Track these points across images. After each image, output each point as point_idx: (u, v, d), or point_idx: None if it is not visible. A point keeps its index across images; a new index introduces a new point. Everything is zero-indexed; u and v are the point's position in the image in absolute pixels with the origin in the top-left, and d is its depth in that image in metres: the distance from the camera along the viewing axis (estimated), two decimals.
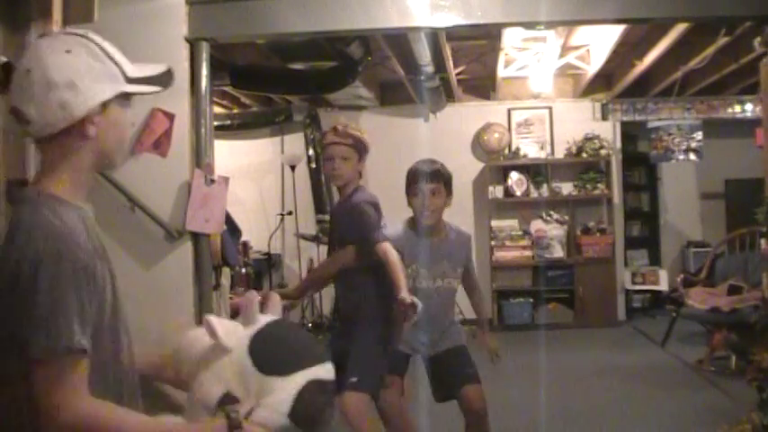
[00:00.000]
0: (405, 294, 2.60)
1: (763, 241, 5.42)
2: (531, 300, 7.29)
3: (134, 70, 1.37)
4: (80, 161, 1.32)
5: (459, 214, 7.48)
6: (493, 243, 7.32)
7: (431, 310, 2.85)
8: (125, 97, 1.35)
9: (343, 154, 2.94)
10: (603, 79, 7.16)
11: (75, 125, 1.26)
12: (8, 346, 1.18)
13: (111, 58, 1.33)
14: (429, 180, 3.12)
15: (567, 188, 7.51)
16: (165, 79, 1.49)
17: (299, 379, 1.22)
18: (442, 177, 3.14)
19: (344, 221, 3.03)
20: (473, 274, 3.35)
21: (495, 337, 3.43)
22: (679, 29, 4.75)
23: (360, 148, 2.99)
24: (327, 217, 7.18)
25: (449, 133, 7.57)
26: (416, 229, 3.13)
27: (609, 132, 7.45)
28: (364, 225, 2.86)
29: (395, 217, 8.16)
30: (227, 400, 1.23)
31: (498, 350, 3.28)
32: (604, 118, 7.40)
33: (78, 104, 1.25)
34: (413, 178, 3.21)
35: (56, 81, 1.23)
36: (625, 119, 7.40)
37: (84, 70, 1.27)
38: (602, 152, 7.30)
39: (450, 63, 5.93)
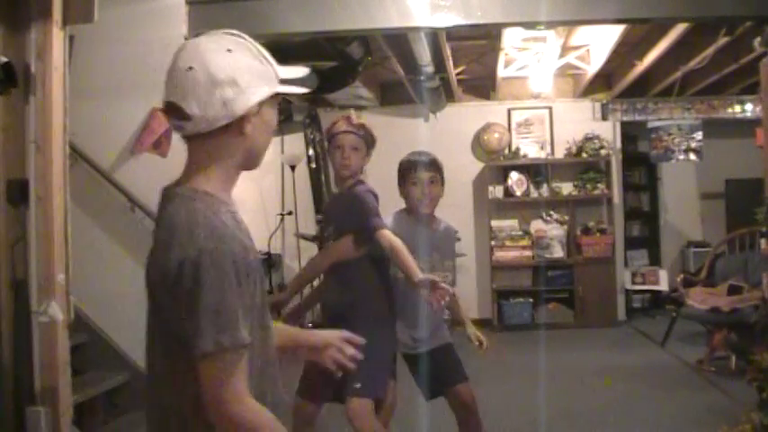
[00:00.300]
0: (426, 276, 2.49)
1: (763, 241, 5.42)
2: (531, 300, 7.28)
3: (283, 72, 1.38)
4: (232, 159, 1.34)
5: (459, 214, 7.49)
6: (493, 243, 7.32)
7: (426, 304, 2.70)
8: (275, 97, 1.36)
9: (354, 144, 2.84)
10: (603, 79, 7.16)
11: (234, 123, 1.28)
12: (172, 344, 1.22)
13: (266, 59, 1.34)
14: (427, 169, 3.07)
15: (567, 188, 7.50)
16: (309, 81, 1.50)
17: None
18: (437, 167, 3.11)
19: (341, 211, 2.91)
20: (454, 269, 3.29)
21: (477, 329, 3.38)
22: (679, 29, 4.75)
23: (369, 141, 2.90)
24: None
25: (449, 133, 7.57)
26: (412, 219, 3.07)
27: (609, 132, 7.45)
28: (364, 212, 2.72)
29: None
30: None
31: (481, 337, 3.23)
32: (604, 118, 7.39)
33: (240, 102, 1.28)
34: (410, 168, 3.11)
35: (220, 79, 1.26)
36: (625, 119, 7.39)
37: (245, 69, 1.29)
38: (602, 152, 7.30)
39: (450, 63, 5.92)
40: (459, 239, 4.72)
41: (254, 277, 1.28)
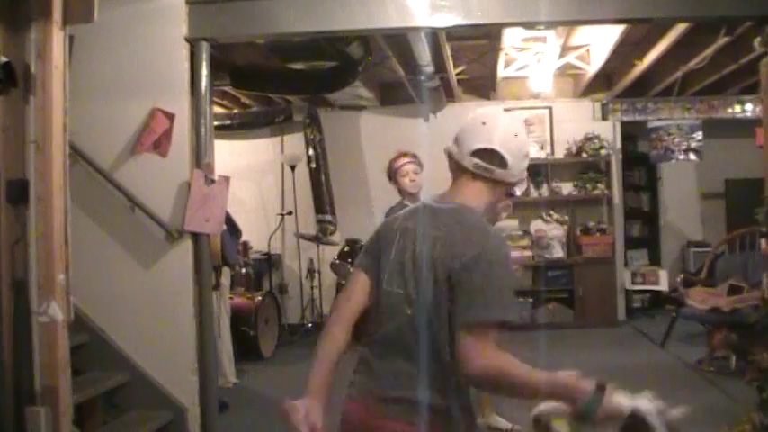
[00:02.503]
0: None
1: (763, 241, 5.42)
2: (531, 300, 7.28)
3: None
4: (490, 199, 1.76)
5: None
6: None
7: None
8: None
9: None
10: (603, 79, 7.16)
11: (513, 183, 1.76)
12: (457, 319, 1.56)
13: None
14: (413, 162, 3.98)
15: (566, 188, 7.51)
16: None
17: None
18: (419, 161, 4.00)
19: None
20: None
21: None
22: (679, 29, 4.75)
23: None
24: (328, 217, 7.18)
25: (449, 133, 7.39)
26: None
27: (609, 132, 7.45)
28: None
29: None
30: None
31: None
32: (604, 118, 7.39)
33: (524, 173, 1.78)
34: (401, 164, 4.01)
35: (525, 152, 1.77)
36: (625, 119, 7.39)
37: (526, 151, 1.78)
38: (602, 152, 7.30)
39: (450, 63, 5.92)
40: None
41: None
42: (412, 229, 1.71)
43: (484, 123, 1.72)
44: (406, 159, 3.96)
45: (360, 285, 1.75)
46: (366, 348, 1.72)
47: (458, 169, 1.75)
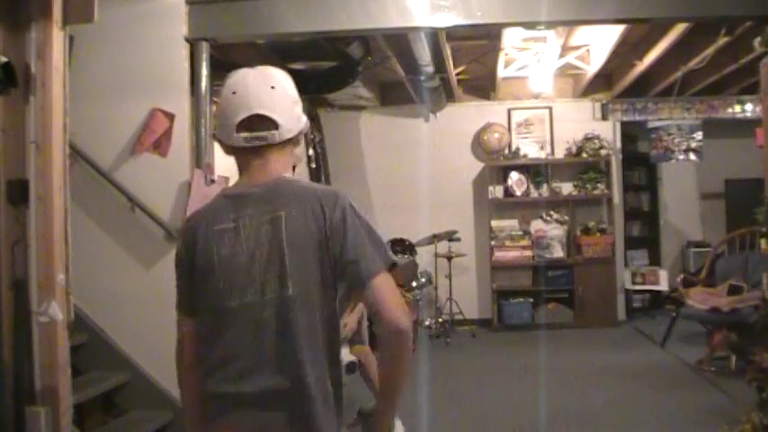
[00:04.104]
0: None
1: (763, 241, 5.43)
2: (531, 300, 7.29)
3: None
4: (290, 165, 1.64)
5: (459, 214, 7.50)
6: (493, 243, 7.32)
7: None
8: None
9: None
10: (603, 79, 7.16)
11: (296, 135, 1.60)
12: (328, 278, 1.50)
13: None
14: None
15: (566, 188, 7.51)
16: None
17: None
18: None
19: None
20: None
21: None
22: (679, 29, 4.75)
23: None
24: None
25: (449, 133, 7.57)
26: None
27: (609, 132, 7.45)
28: None
29: (395, 215, 8.16)
30: None
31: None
32: (604, 118, 7.40)
33: (303, 118, 1.62)
34: None
35: (293, 98, 1.59)
36: (625, 119, 7.40)
37: (296, 93, 1.62)
38: (602, 152, 7.30)
39: (450, 63, 5.92)
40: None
41: None
42: (233, 228, 1.53)
43: (234, 93, 1.54)
44: None
45: (190, 338, 1.64)
46: (216, 387, 1.52)
47: (236, 152, 1.58)
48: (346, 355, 4.00)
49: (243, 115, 1.51)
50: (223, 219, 1.54)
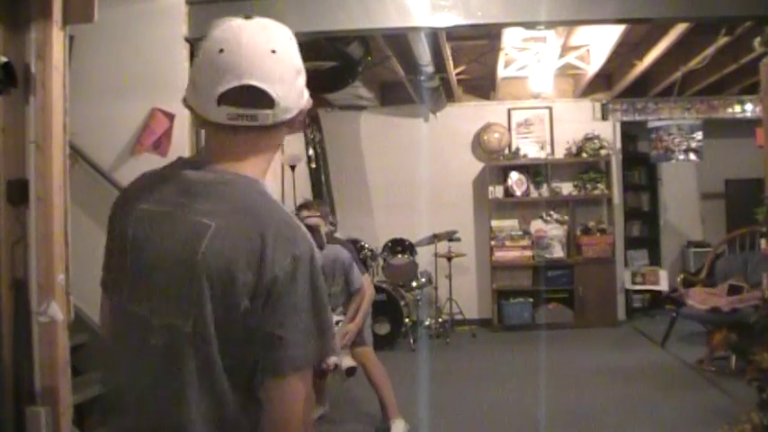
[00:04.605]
0: None
1: (763, 241, 5.43)
2: (531, 300, 7.29)
3: None
4: (273, 152, 1.23)
5: (459, 214, 7.50)
6: (493, 243, 7.32)
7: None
8: None
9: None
10: (603, 79, 7.16)
11: (296, 115, 1.19)
12: (242, 349, 1.11)
13: None
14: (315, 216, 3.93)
15: (566, 188, 7.51)
16: None
17: None
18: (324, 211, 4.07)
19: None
20: (344, 291, 4.09)
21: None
22: (679, 29, 4.75)
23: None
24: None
25: (449, 133, 7.57)
26: None
27: (609, 132, 7.45)
28: None
29: (395, 215, 8.13)
30: None
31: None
32: (604, 118, 7.40)
33: (305, 94, 1.20)
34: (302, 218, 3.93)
35: (297, 67, 1.17)
36: (625, 119, 7.40)
37: (301, 60, 1.19)
38: (602, 152, 7.30)
39: (450, 63, 5.92)
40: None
41: None
42: (159, 214, 1.15)
43: (222, 51, 1.13)
44: (306, 213, 3.99)
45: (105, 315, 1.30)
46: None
47: (208, 125, 1.17)
48: (346, 359, 4.00)
49: (230, 84, 1.11)
50: (154, 198, 1.18)
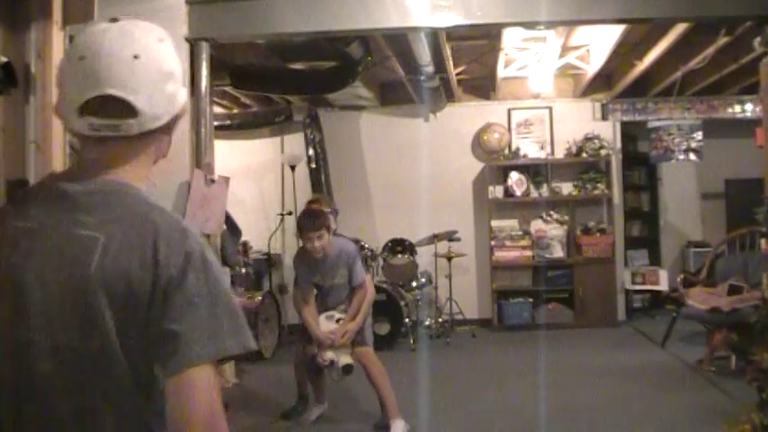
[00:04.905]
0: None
1: (763, 241, 5.41)
2: (531, 300, 7.29)
3: None
4: (150, 161, 1.20)
5: (459, 214, 7.50)
6: (493, 243, 7.32)
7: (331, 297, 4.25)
8: None
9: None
10: (603, 79, 7.16)
11: (168, 122, 1.15)
12: (143, 351, 1.07)
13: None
14: (313, 230, 3.94)
15: (566, 188, 7.51)
16: None
17: None
18: (322, 225, 3.97)
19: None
20: (348, 276, 4.18)
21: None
22: (679, 29, 4.75)
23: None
24: None
25: (449, 133, 7.58)
26: (309, 257, 4.09)
27: (609, 132, 7.45)
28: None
29: (395, 215, 8.12)
30: None
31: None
32: (604, 118, 7.40)
33: (179, 99, 1.16)
34: (301, 229, 4.05)
35: (166, 71, 1.12)
36: (625, 119, 7.40)
37: (177, 63, 1.15)
38: (602, 152, 7.30)
39: (450, 63, 5.93)
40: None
41: None
42: (38, 230, 1.09)
43: (82, 58, 1.08)
44: (317, 206, 4.11)
45: None
46: None
47: (78, 135, 1.14)
48: (343, 357, 4.01)
49: (90, 94, 1.07)
50: (30, 214, 1.11)
